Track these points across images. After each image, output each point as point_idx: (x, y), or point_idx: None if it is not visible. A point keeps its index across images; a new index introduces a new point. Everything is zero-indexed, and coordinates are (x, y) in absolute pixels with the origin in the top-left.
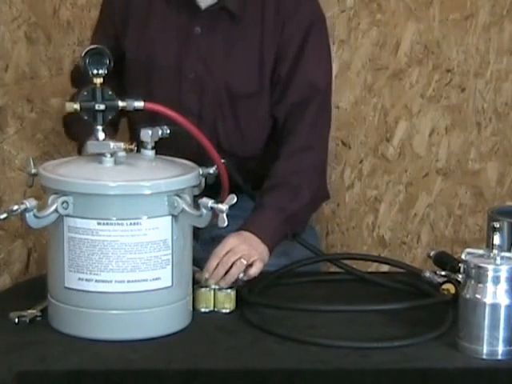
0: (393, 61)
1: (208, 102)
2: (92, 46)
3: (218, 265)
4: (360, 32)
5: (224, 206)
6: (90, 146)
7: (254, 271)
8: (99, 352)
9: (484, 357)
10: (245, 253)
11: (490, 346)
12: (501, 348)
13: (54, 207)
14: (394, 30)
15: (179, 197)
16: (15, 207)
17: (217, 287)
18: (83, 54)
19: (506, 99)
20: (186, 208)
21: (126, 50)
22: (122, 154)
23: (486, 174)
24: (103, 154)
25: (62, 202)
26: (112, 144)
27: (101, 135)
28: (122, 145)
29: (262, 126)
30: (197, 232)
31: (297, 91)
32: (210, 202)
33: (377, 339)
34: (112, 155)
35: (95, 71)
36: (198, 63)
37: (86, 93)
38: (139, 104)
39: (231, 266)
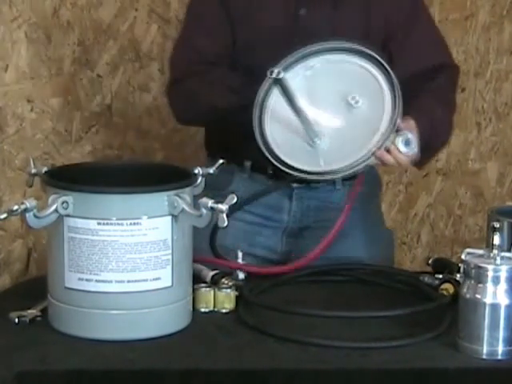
0: None
1: None
2: None
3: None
4: None
5: (224, 206)
6: None
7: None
8: (99, 352)
9: (484, 357)
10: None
11: (490, 346)
12: (501, 348)
13: (54, 207)
14: None
15: (179, 197)
16: (15, 207)
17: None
18: None
19: (506, 99)
20: (186, 208)
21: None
22: None
23: (486, 174)
24: None
25: (62, 202)
26: None
27: None
28: None
29: None
30: (282, 224)
31: (413, 64)
32: (210, 202)
33: (376, 339)
34: None
35: None
36: (304, 41)
37: None
38: None
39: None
